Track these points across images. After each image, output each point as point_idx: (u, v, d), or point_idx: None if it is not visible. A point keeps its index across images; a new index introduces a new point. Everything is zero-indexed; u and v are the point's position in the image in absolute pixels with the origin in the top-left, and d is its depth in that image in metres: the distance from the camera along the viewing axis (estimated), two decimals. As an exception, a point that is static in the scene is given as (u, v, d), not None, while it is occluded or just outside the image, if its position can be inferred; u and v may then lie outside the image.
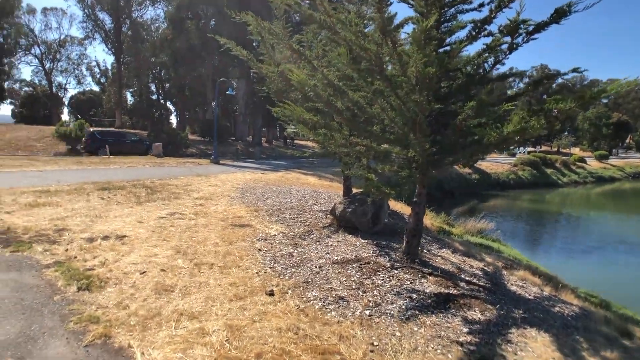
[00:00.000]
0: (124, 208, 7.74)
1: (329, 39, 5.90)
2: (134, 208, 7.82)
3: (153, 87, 54.53)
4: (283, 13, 6.87)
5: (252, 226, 6.92)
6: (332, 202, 9.77)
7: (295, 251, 5.79)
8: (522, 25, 4.46)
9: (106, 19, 38.57)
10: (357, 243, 6.47)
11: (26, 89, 56.36)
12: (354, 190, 11.63)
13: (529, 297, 5.28)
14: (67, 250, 5.04)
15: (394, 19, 5.27)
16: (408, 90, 4.39)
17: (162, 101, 55.15)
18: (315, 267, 5.25)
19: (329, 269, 5.19)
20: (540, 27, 4.44)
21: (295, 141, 45.95)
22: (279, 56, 8.13)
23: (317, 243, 6.30)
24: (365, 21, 6.71)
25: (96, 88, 60.68)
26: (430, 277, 5.18)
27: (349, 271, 5.21)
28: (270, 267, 5.07)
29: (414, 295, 4.55)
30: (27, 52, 50.33)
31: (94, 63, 61.84)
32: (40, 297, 3.68)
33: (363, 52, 4.85)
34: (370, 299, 4.37)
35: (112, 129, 34.76)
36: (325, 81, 5.09)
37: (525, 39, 4.65)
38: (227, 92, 21.35)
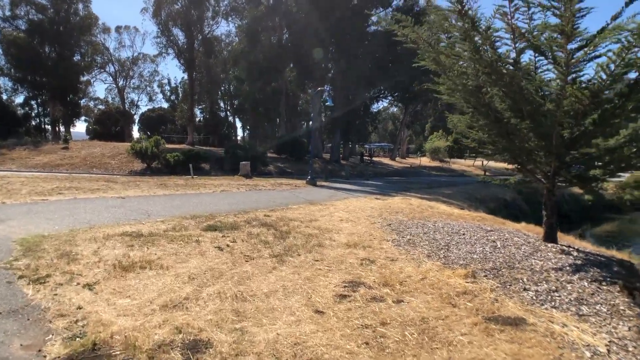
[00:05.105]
0: (265, 272, 4.83)
1: None
2: (279, 271, 4.89)
3: (222, 104, 54.16)
4: None
5: (525, 320, 3.65)
6: (538, 250, 6.35)
7: None
8: None
9: (179, 34, 38.05)
10: None
11: (100, 106, 58.24)
12: (561, 235, 8.11)
13: None
14: None
15: None
16: None
17: (229, 118, 54.64)
18: None
19: None
20: None
21: (373, 158, 42.75)
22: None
23: None
24: None
25: (166, 105, 61.52)
26: None
27: None
28: None
29: None
30: (101, 70, 51.95)
31: (165, 80, 62.97)
32: None
33: None
34: None
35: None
36: None
37: None
38: (327, 103, 18.75)
